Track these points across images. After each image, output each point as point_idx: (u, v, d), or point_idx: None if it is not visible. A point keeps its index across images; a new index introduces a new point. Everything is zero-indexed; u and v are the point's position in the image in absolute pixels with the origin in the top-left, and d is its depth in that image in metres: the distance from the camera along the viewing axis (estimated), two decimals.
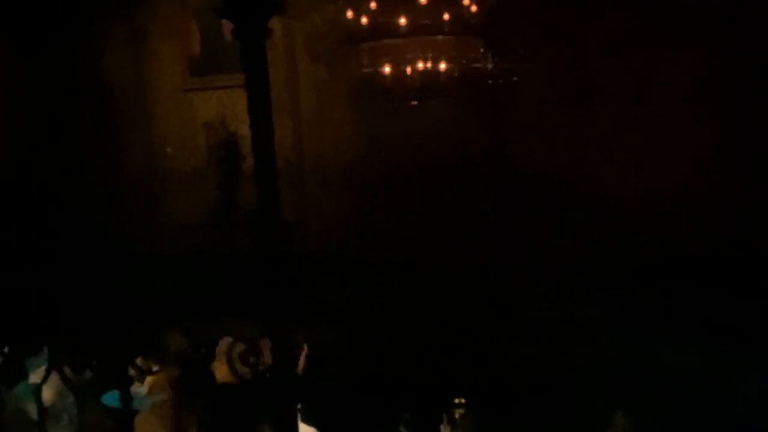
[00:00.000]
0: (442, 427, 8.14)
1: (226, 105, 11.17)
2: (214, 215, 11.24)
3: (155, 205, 11.92)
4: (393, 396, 8.71)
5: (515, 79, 9.15)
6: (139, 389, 8.88)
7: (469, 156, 9.84)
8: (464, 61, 7.24)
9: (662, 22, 8.88)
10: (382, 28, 7.12)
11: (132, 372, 8.87)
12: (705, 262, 8.51)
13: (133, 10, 11.78)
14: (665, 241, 8.86)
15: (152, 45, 11.78)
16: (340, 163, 10.59)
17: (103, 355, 9.06)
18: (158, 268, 11.13)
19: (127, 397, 8.11)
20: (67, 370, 8.93)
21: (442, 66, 7.15)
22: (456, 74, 7.31)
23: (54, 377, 8.89)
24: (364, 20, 7.16)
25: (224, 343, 9.46)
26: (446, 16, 6.93)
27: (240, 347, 9.23)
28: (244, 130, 10.43)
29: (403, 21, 6.96)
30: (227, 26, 10.56)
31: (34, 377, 8.91)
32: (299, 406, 6.24)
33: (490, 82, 8.47)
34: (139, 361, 9.03)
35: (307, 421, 7.37)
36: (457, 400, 8.13)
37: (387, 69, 7.18)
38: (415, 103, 7.86)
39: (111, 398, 8.92)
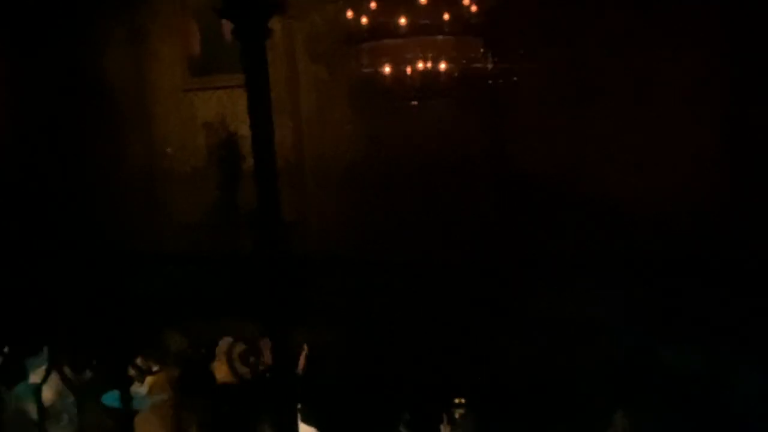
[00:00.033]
0: (442, 427, 8.14)
1: (226, 105, 11.17)
2: (214, 215, 11.24)
3: (155, 205, 11.93)
4: (393, 396, 8.70)
5: (515, 79, 9.16)
6: (139, 389, 8.88)
7: (469, 156, 9.84)
8: (464, 61, 7.25)
9: (662, 22, 8.89)
10: (382, 28, 7.12)
11: (132, 372, 8.86)
12: (705, 262, 8.52)
13: (133, 10, 11.79)
14: (665, 241, 8.87)
15: (152, 45, 11.78)
16: (340, 163, 10.59)
17: (104, 355, 9.05)
18: (158, 268, 11.14)
19: (127, 397, 8.10)
20: (67, 370, 8.92)
21: (442, 66, 7.15)
22: (456, 74, 7.31)
23: (54, 377, 8.89)
24: (364, 20, 7.15)
25: (224, 343, 9.46)
26: (446, 16, 6.93)
27: (240, 347, 9.22)
28: (244, 130, 10.43)
29: (403, 21, 6.96)
30: (227, 26, 10.58)
31: (34, 377, 8.91)
32: (299, 406, 6.23)
33: (490, 82, 8.47)
34: (139, 361, 9.03)
35: (307, 421, 7.37)
36: (457, 400, 8.12)
37: (387, 69, 7.18)
38: (415, 103, 7.86)
39: (111, 398, 8.93)
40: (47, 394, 8.81)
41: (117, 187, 12.07)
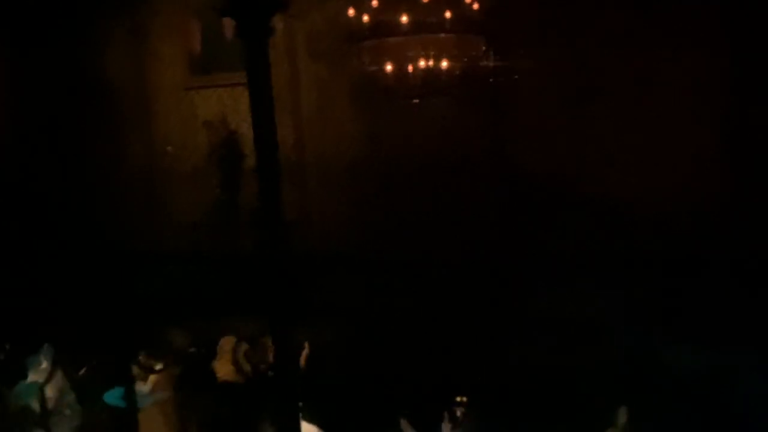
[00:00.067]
0: (443, 425, 8.12)
1: (227, 103, 11.18)
2: (215, 214, 11.24)
3: (156, 204, 11.93)
4: (394, 394, 8.70)
5: (516, 77, 9.16)
6: (142, 387, 8.87)
7: (470, 155, 9.85)
8: (466, 60, 7.23)
9: (663, 21, 8.89)
10: (383, 26, 7.10)
11: (136, 370, 8.86)
12: (705, 262, 8.52)
13: (133, 9, 11.79)
14: (666, 240, 8.89)
15: (153, 43, 11.80)
16: (341, 162, 10.60)
17: (107, 353, 9.06)
18: (159, 267, 11.13)
19: (131, 395, 8.10)
20: (70, 369, 8.94)
21: (444, 64, 7.13)
22: (457, 72, 7.30)
23: (57, 375, 8.89)
24: (365, 18, 7.14)
25: (226, 341, 9.46)
26: (448, 14, 6.92)
27: (245, 345, 9.23)
28: (245, 128, 10.52)
29: (404, 19, 6.94)
30: (228, 25, 10.64)
31: (36, 375, 8.90)
32: (300, 404, 6.23)
33: (491, 80, 8.46)
34: (142, 359, 9.02)
35: (309, 419, 7.36)
36: (458, 399, 8.11)
37: (388, 67, 7.16)
38: (416, 101, 7.85)
39: (112, 396, 8.93)
40: (49, 391, 8.80)
41: (117, 186, 12.07)
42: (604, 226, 9.16)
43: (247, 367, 9.07)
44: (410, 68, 7.14)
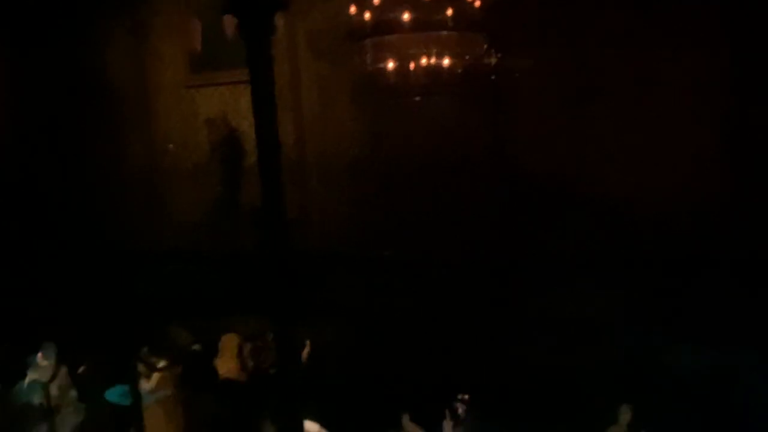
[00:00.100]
0: (444, 423, 8.13)
1: (228, 101, 11.16)
2: (216, 213, 11.22)
3: (156, 203, 11.91)
4: (396, 392, 8.70)
5: (518, 75, 9.16)
6: (144, 385, 8.88)
7: (471, 154, 9.83)
8: (467, 57, 7.22)
9: (664, 21, 8.89)
10: (385, 23, 7.09)
11: (141, 368, 8.87)
12: (707, 261, 8.52)
13: (134, 8, 11.78)
14: (667, 240, 8.88)
15: (153, 42, 11.77)
16: (343, 161, 10.58)
17: (109, 351, 9.07)
18: (161, 266, 11.12)
19: (136, 392, 8.10)
20: (73, 367, 8.95)
21: (446, 62, 7.12)
22: (459, 70, 7.28)
23: (59, 373, 8.90)
24: (366, 16, 7.13)
25: (227, 339, 9.47)
26: (449, 12, 6.91)
27: (252, 343, 9.24)
28: (246, 126, 10.52)
29: (406, 17, 6.93)
30: (228, 22, 10.64)
31: (38, 374, 8.90)
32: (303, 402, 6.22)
33: (493, 78, 8.46)
34: (145, 357, 9.03)
35: (311, 417, 7.36)
36: (459, 397, 8.12)
37: (390, 65, 7.15)
38: (417, 99, 7.84)
39: (113, 394, 8.93)
40: (51, 390, 8.81)
41: (118, 184, 12.06)
42: (604, 226, 9.17)
43: (252, 365, 9.08)
44: (412, 66, 7.14)
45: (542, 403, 8.57)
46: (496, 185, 9.77)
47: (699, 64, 8.70)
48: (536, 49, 9.24)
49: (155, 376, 8.91)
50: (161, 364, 8.98)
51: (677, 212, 8.83)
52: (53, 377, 8.85)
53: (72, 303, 10.67)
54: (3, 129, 12.66)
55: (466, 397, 7.98)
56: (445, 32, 7.08)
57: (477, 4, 7.05)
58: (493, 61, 7.87)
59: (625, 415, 7.78)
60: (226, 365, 9.31)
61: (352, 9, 7.34)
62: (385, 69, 7.21)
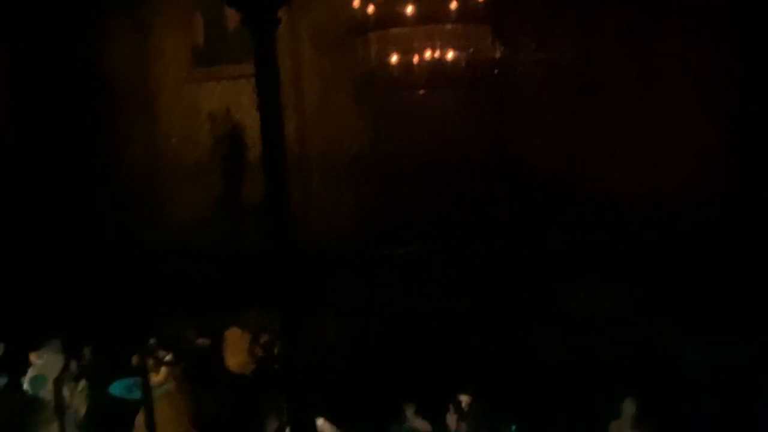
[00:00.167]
0: (448, 416, 8.15)
1: (231, 96, 11.12)
2: (219, 208, 11.21)
3: (160, 199, 11.90)
4: (400, 386, 8.72)
5: (522, 69, 9.13)
6: (153, 378, 8.89)
7: (475, 150, 9.79)
8: (472, 50, 7.17)
9: (668, 15, 8.86)
10: (388, 17, 7.04)
11: (150, 362, 8.89)
12: (711, 257, 8.51)
13: (136, 3, 11.75)
14: (671, 236, 8.86)
15: (156, 36, 11.74)
16: (345, 157, 10.54)
17: (114, 346, 9.08)
18: (164, 261, 11.11)
19: (146, 387, 8.11)
20: (78, 361, 8.97)
21: (450, 55, 7.08)
22: (464, 63, 7.24)
23: (63, 367, 8.92)
24: (370, 9, 7.08)
25: (232, 333, 9.48)
26: (453, 5, 6.87)
27: (262, 338, 9.26)
28: (249, 121, 10.49)
29: (410, 10, 6.89)
30: (230, 16, 10.60)
31: (44, 368, 8.94)
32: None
33: (497, 71, 8.41)
34: (152, 351, 9.06)
35: (316, 411, 7.37)
36: (463, 390, 8.14)
37: (394, 58, 7.11)
38: (421, 92, 7.80)
39: (118, 387, 8.96)
40: (56, 384, 8.82)
41: (121, 181, 12.04)
42: (607, 222, 9.16)
43: (263, 359, 9.09)
44: (416, 59, 7.10)
45: (545, 397, 8.59)
46: (499, 182, 9.74)
47: (702, 61, 8.68)
48: (539, 42, 9.21)
49: (163, 369, 8.93)
50: (168, 357, 9.01)
51: (680, 208, 8.82)
52: (56, 371, 8.88)
53: (77, 298, 10.68)
54: (3, 128, 12.64)
55: (470, 390, 8.00)
56: (449, 25, 7.03)
57: None
58: (498, 54, 7.82)
59: (628, 409, 7.80)
60: (236, 359, 9.33)
61: (356, 2, 7.29)
62: (388, 62, 7.17)
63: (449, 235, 9.86)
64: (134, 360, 8.92)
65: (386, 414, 8.33)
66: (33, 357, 9.28)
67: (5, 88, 12.76)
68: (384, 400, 8.48)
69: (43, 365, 9.00)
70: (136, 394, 8.68)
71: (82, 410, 9.01)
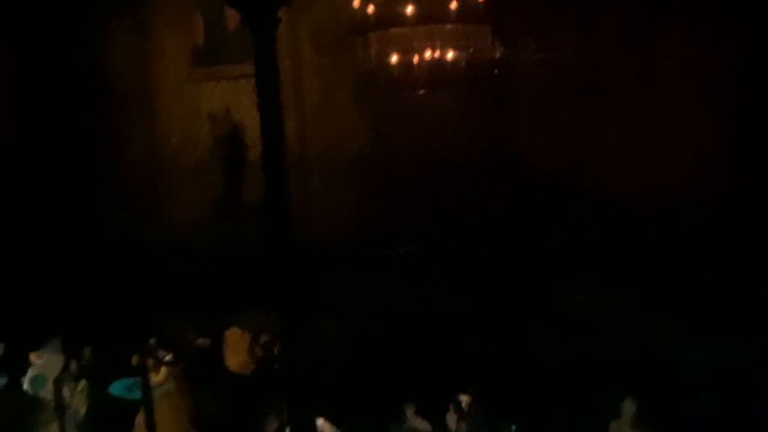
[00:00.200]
0: (448, 416, 8.15)
1: (230, 96, 11.12)
2: (219, 208, 11.20)
3: (160, 199, 11.90)
4: (400, 385, 8.73)
5: (521, 69, 9.12)
6: (153, 378, 8.90)
7: (475, 150, 9.79)
8: (472, 50, 7.17)
9: (668, 15, 8.86)
10: (388, 16, 7.04)
11: (150, 362, 8.89)
12: (712, 257, 8.51)
13: (136, 2, 11.74)
14: (671, 236, 8.86)
15: (155, 36, 11.74)
16: (345, 157, 10.53)
17: (114, 346, 9.08)
18: (164, 262, 11.11)
19: (146, 386, 8.12)
20: (78, 361, 8.97)
21: (450, 55, 7.07)
22: (463, 63, 7.23)
23: (63, 367, 8.92)
24: (370, 9, 7.08)
25: (231, 333, 9.49)
26: (454, 5, 6.86)
27: (262, 338, 9.26)
28: (248, 121, 10.48)
29: (410, 9, 6.89)
30: (230, 16, 10.60)
31: (44, 368, 8.94)
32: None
33: (497, 71, 8.41)
34: (152, 350, 9.06)
35: (315, 411, 7.37)
36: (463, 390, 8.14)
37: (394, 58, 7.11)
38: (421, 92, 7.79)
39: (118, 387, 8.96)
40: (56, 384, 8.83)
41: (121, 181, 12.04)
42: (607, 222, 9.16)
43: (263, 359, 9.09)
44: (416, 59, 7.09)
45: (546, 397, 8.59)
46: (500, 182, 9.74)
47: (702, 61, 8.68)
48: (539, 42, 9.21)
49: (163, 369, 8.94)
50: (168, 357, 9.02)
51: (680, 208, 8.82)
52: (56, 371, 8.89)
53: (77, 299, 10.67)
54: (3, 128, 12.64)
55: (470, 390, 8.00)
56: (449, 25, 7.03)
57: None
58: (498, 54, 7.81)
59: (629, 408, 7.80)
60: (236, 359, 9.33)
61: (356, 2, 7.29)
62: (388, 62, 7.16)
63: (449, 235, 9.85)
64: (134, 360, 8.94)
65: (386, 414, 8.33)
66: (33, 357, 9.30)
67: (5, 88, 12.76)
68: (384, 400, 8.48)
69: (43, 365, 9.01)
70: (136, 394, 8.69)
71: (82, 410, 9.02)
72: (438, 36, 7.09)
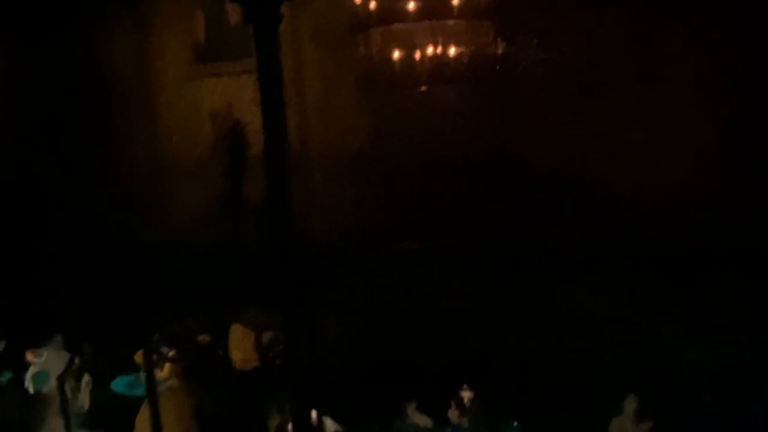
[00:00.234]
0: (450, 412, 8.16)
1: (232, 93, 11.11)
2: (221, 207, 11.20)
3: (161, 197, 11.89)
4: (401, 382, 8.73)
5: (525, 66, 9.13)
6: (156, 374, 8.89)
7: (477, 149, 9.79)
8: (474, 47, 7.17)
9: (668, 15, 8.87)
10: (390, 12, 7.04)
11: (154, 358, 8.88)
12: (712, 257, 8.51)
13: (136, 0, 11.76)
14: (671, 235, 8.86)
15: (156, 32, 11.73)
16: (347, 155, 10.52)
17: (116, 342, 9.08)
18: (165, 261, 11.09)
19: (150, 383, 8.10)
20: (80, 357, 8.96)
21: (452, 51, 7.08)
22: (466, 60, 7.24)
23: (65, 363, 8.91)
24: (371, 5, 7.08)
25: (235, 330, 9.48)
26: (456, 1, 6.86)
27: (268, 334, 9.26)
28: (250, 117, 10.47)
29: (412, 5, 6.89)
30: (232, 12, 10.60)
31: (46, 364, 8.93)
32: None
33: (499, 67, 8.42)
34: (156, 347, 9.06)
35: (317, 408, 7.38)
36: (465, 387, 8.15)
37: (396, 55, 7.11)
38: (423, 89, 7.80)
39: (120, 384, 8.96)
40: (59, 380, 8.84)
41: (121, 180, 12.04)
42: (607, 221, 9.16)
43: (270, 355, 9.09)
44: (418, 55, 7.09)
45: (546, 397, 8.59)
46: (501, 181, 9.74)
47: (702, 60, 8.68)
48: (541, 40, 9.21)
49: (167, 365, 8.94)
50: (171, 353, 9.02)
51: (680, 208, 8.81)
52: (59, 367, 8.88)
53: (77, 299, 10.66)
54: (3, 128, 12.64)
55: (472, 387, 8.00)
56: (451, 21, 7.03)
57: None
58: (500, 50, 7.82)
59: (630, 405, 7.81)
60: (241, 356, 9.33)
61: None
62: (390, 59, 7.16)
63: (449, 235, 9.85)
64: (137, 356, 8.94)
65: (388, 412, 8.33)
66: (29, 355, 9.28)
67: (5, 88, 12.76)
68: (385, 399, 8.48)
69: (45, 362, 8.99)
70: (138, 391, 8.69)
71: (85, 407, 9.02)
72: (440, 32, 7.10)
